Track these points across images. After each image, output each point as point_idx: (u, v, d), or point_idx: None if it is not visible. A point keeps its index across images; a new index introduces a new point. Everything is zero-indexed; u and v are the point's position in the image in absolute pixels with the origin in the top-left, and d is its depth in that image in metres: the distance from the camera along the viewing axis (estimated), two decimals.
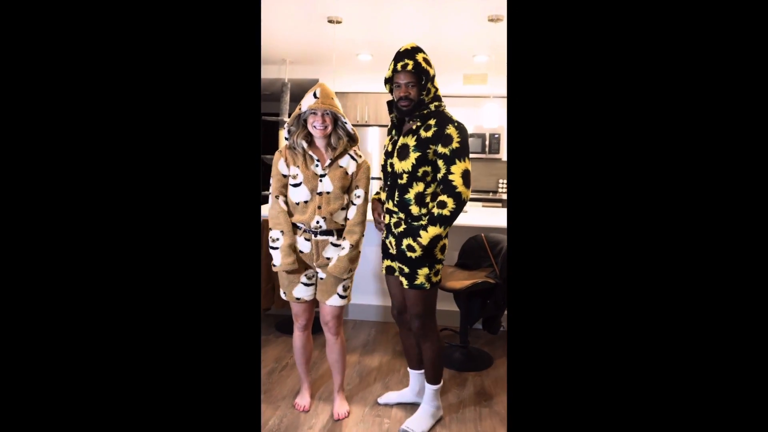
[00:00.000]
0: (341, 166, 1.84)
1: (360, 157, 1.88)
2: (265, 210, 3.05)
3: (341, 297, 1.90)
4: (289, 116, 4.68)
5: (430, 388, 1.94)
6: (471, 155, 4.95)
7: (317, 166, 1.82)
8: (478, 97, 4.96)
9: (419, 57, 1.71)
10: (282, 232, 1.83)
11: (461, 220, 2.87)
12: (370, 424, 1.97)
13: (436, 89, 1.77)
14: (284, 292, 1.94)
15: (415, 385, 2.10)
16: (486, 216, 3.14)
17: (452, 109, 5.12)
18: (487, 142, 4.99)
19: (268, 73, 5.11)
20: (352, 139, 1.87)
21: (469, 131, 4.99)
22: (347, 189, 1.86)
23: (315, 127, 1.78)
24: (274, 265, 1.87)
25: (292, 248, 1.84)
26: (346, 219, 1.88)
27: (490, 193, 5.16)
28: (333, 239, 1.87)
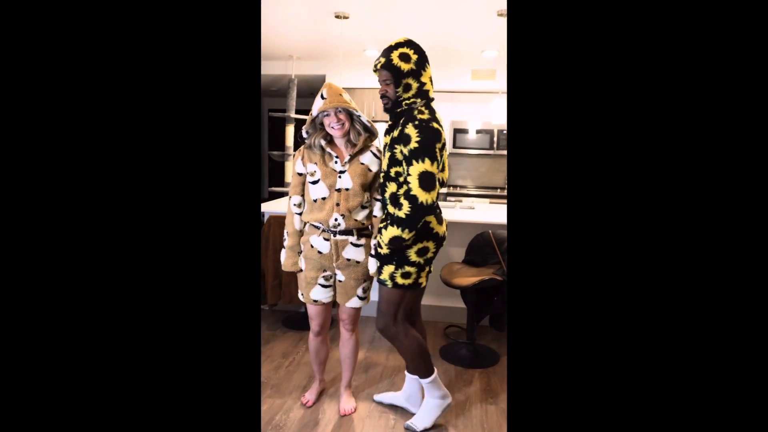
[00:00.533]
0: (363, 163, 1.81)
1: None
2: (271, 206, 3.06)
3: (361, 299, 1.89)
4: (296, 112, 4.68)
5: (424, 382, 1.89)
6: (479, 151, 4.97)
7: (336, 162, 1.80)
8: (486, 92, 4.93)
9: (395, 53, 1.66)
10: (288, 233, 1.90)
11: (468, 216, 2.86)
12: (377, 420, 1.98)
13: (421, 85, 1.69)
14: (302, 294, 1.92)
15: (408, 388, 2.04)
16: (493, 212, 3.12)
17: (460, 104, 5.13)
18: (495, 138, 4.96)
19: (274, 69, 5.11)
20: (372, 134, 1.84)
21: (478, 127, 4.96)
22: (368, 186, 1.83)
23: (333, 127, 1.76)
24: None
25: (295, 251, 1.90)
26: (368, 217, 1.85)
27: (498, 190, 5.13)
28: (353, 239, 1.82)
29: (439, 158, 1.64)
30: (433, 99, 1.74)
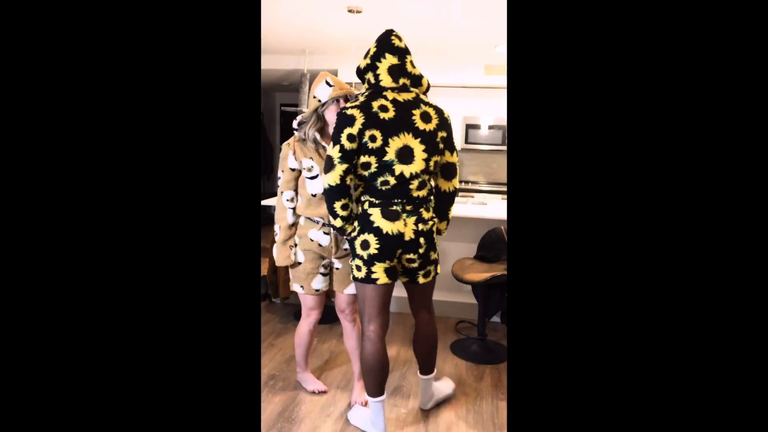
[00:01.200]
0: None
1: None
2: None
3: None
4: (308, 107, 4.69)
5: (368, 399, 1.80)
6: (491, 147, 4.94)
7: None
8: (499, 88, 4.90)
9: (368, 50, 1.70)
10: (280, 227, 1.91)
11: (480, 212, 2.85)
12: (388, 412, 1.99)
13: (376, 77, 1.64)
14: (301, 286, 1.93)
15: (421, 390, 1.99)
16: (505, 208, 3.11)
17: (473, 100, 5.10)
18: (507, 134, 4.92)
19: (287, 63, 5.12)
20: None
21: (490, 123, 4.93)
22: None
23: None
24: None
25: (288, 245, 1.91)
26: None
27: None
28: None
29: (345, 143, 1.56)
30: (387, 89, 1.63)
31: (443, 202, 1.76)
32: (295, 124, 1.87)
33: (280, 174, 1.90)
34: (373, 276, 1.67)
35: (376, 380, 1.75)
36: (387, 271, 1.67)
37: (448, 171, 1.74)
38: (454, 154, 1.73)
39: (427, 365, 1.92)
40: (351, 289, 1.90)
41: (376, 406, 1.79)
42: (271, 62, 5.07)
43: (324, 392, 2.12)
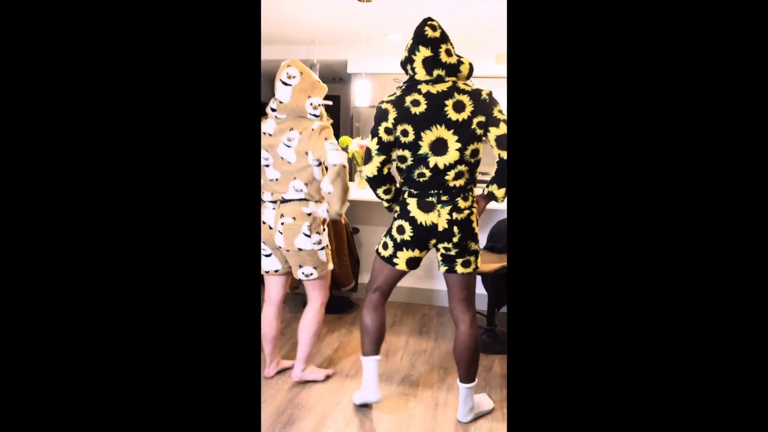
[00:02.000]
0: None
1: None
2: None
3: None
4: None
5: (362, 359, 1.92)
6: None
7: None
8: None
9: None
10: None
11: (490, 203, 2.84)
12: (396, 402, 2.00)
13: (413, 69, 1.68)
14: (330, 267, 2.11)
15: (460, 399, 1.88)
16: None
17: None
18: None
19: (296, 54, 5.11)
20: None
21: None
22: None
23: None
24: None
25: None
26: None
27: None
28: None
29: (383, 135, 1.69)
30: (422, 82, 1.67)
31: (502, 169, 1.71)
32: (316, 111, 1.93)
33: (334, 147, 1.85)
34: (395, 260, 1.79)
35: (372, 339, 1.87)
36: (409, 261, 1.78)
37: (502, 142, 1.67)
38: (501, 125, 1.66)
39: (467, 373, 1.82)
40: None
41: (370, 364, 1.87)
42: (280, 53, 5.06)
43: (331, 375, 2.18)
